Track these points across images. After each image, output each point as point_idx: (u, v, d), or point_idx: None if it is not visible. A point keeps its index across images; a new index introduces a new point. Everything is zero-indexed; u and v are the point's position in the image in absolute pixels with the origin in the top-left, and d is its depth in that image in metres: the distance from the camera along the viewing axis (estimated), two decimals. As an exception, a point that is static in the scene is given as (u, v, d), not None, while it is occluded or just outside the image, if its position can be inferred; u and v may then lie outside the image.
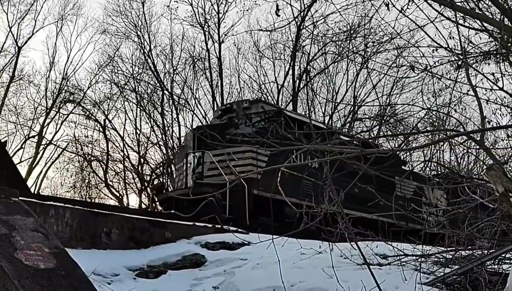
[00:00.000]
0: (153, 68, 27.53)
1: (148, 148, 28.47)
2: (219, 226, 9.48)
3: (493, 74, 5.84)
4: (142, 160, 28.24)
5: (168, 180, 26.11)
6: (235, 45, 28.95)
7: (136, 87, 27.76)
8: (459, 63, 6.12)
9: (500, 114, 7.02)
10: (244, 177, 11.58)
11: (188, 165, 13.33)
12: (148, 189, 27.34)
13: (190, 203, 11.52)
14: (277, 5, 6.31)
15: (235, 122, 13.94)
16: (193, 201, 11.47)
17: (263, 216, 11.65)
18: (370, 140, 19.46)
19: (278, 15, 6.23)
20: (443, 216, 6.37)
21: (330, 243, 6.57)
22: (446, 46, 5.92)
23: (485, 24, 5.87)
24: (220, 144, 12.15)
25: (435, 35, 6.06)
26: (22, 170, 25.91)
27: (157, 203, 15.57)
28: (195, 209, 11.18)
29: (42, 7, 29.32)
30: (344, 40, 24.25)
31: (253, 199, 12.05)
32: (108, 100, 28.27)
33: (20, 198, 5.52)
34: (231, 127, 13.46)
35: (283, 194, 8.66)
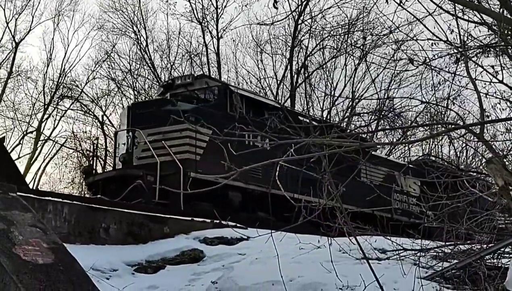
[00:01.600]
0: (150, 64, 27.49)
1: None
2: (218, 221, 9.46)
3: (493, 67, 5.83)
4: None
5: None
6: (233, 40, 28.92)
7: (134, 83, 27.71)
8: (458, 56, 6.11)
9: (500, 108, 7.01)
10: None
11: (123, 145, 12.28)
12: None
13: (118, 187, 10.98)
14: (275, -2, 6.27)
15: (173, 98, 12.84)
16: (121, 184, 10.96)
17: (203, 201, 11.08)
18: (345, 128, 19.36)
19: (276, 8, 6.18)
20: (443, 211, 6.34)
21: (329, 238, 6.56)
22: (446, 39, 5.90)
23: (484, 17, 5.86)
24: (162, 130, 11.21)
25: (434, 28, 6.04)
26: (21, 165, 25.85)
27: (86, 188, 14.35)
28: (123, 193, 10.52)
29: (39, 2, 29.31)
30: (343, 34, 24.23)
31: (191, 182, 10.93)
32: (106, 96, 28.23)
33: (18, 193, 5.50)
34: (168, 104, 12.35)
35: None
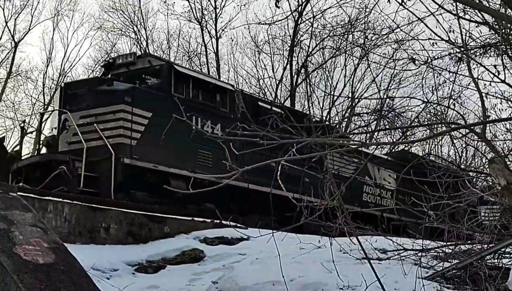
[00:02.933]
0: (150, 64, 27.40)
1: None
2: (218, 221, 9.46)
3: (495, 66, 5.82)
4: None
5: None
6: (232, 40, 28.92)
7: (134, 82, 27.63)
8: (460, 56, 6.10)
9: (501, 108, 7.01)
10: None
11: (54, 128, 11.29)
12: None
13: (42, 174, 10.09)
14: (277, -3, 6.26)
15: (109, 77, 11.84)
16: (46, 171, 9.97)
17: (140, 191, 10.31)
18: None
19: (278, 7, 6.18)
20: (444, 210, 6.32)
21: (330, 238, 6.54)
22: (447, 39, 5.89)
23: (486, 17, 5.85)
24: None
25: (436, 27, 6.03)
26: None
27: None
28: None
29: (38, 2, 29.33)
30: (343, 34, 24.23)
31: (125, 169, 10.11)
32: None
33: (18, 193, 5.49)
34: (104, 83, 11.27)
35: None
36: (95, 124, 10.38)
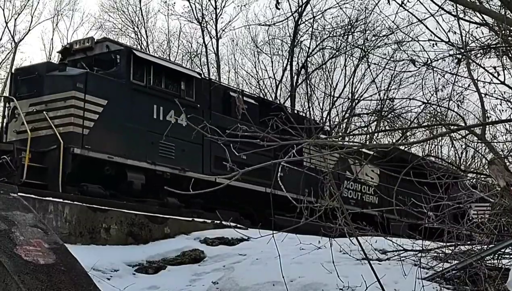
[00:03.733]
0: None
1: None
2: (218, 222, 9.47)
3: (494, 67, 5.83)
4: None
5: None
6: (232, 40, 28.94)
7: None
8: (460, 57, 6.10)
9: (501, 109, 7.01)
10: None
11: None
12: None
13: None
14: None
15: (61, 62, 11.11)
16: None
17: (93, 183, 9.56)
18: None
19: (278, 9, 6.19)
20: (444, 211, 6.32)
21: (330, 238, 6.55)
22: (447, 40, 5.90)
23: (486, 18, 5.86)
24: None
25: (436, 28, 6.04)
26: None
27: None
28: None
29: (38, 2, 29.37)
30: (343, 34, 24.24)
31: (76, 160, 9.39)
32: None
33: (19, 193, 5.50)
34: (55, 69, 10.48)
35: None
36: (44, 112, 9.68)
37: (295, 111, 16.80)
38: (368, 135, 23.44)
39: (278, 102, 21.45)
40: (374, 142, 22.75)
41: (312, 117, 21.60)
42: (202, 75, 13.41)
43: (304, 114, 17.14)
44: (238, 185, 10.98)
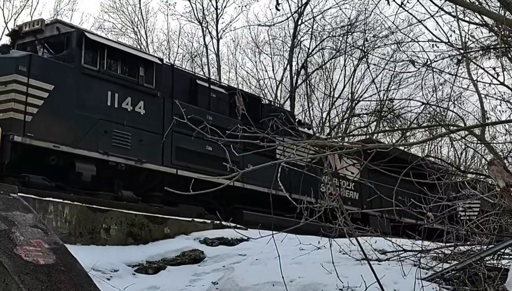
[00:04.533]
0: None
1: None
2: (218, 222, 9.47)
3: (494, 68, 5.84)
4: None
5: None
6: (233, 41, 28.96)
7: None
8: (460, 57, 6.11)
9: (500, 110, 7.01)
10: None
11: None
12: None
13: None
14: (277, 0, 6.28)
15: (4, 44, 10.66)
16: None
17: (36, 174, 8.92)
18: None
19: (278, 10, 6.20)
20: (444, 212, 6.32)
21: (329, 239, 6.56)
22: (447, 40, 5.90)
23: (485, 19, 5.86)
24: None
25: (436, 29, 6.04)
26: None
27: None
28: None
29: (38, 2, 29.30)
30: (342, 34, 24.27)
31: (16, 149, 8.73)
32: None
33: (19, 194, 5.51)
34: None
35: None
36: None
37: (270, 102, 15.78)
38: (367, 136, 23.43)
39: (255, 94, 20.24)
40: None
41: (293, 111, 20.62)
42: (164, 61, 12.38)
43: (279, 105, 16.29)
44: (202, 177, 10.31)
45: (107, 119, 9.92)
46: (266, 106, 13.54)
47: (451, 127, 6.48)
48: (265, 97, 15.65)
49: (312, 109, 27.19)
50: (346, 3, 20.43)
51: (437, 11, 5.71)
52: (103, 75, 10.13)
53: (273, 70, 27.95)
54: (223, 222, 9.32)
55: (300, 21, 24.38)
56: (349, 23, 23.66)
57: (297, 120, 15.80)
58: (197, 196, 10.80)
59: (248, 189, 11.92)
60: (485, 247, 6.09)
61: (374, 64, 22.52)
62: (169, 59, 27.54)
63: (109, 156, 9.82)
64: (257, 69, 28.44)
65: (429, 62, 6.01)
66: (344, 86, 27.28)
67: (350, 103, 27.54)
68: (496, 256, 5.99)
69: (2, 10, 27.62)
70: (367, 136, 22.67)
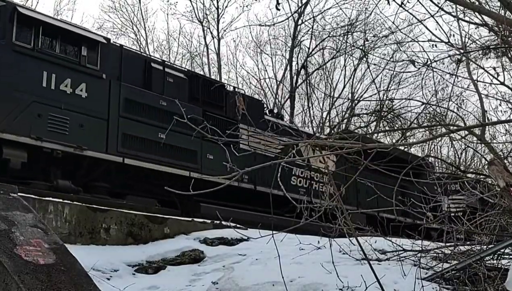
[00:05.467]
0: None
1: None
2: (218, 222, 9.47)
3: (494, 68, 5.84)
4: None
5: None
6: (234, 41, 28.97)
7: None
8: (459, 58, 6.11)
9: (500, 110, 7.02)
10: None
11: None
12: None
13: None
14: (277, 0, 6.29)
15: None
16: None
17: None
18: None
19: (278, 9, 6.21)
20: (444, 212, 6.31)
21: (329, 238, 6.55)
22: (447, 40, 5.90)
23: (485, 19, 5.86)
24: None
25: (436, 29, 6.04)
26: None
27: None
28: None
29: (37, 2, 29.25)
30: (343, 34, 24.28)
31: None
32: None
33: (19, 193, 5.51)
34: None
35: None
36: None
37: (235, 88, 14.60)
38: (367, 136, 23.43)
39: (216, 79, 19.23)
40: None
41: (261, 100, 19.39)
42: (112, 41, 11.38)
43: (242, 92, 14.75)
44: (154, 167, 10.27)
45: (41, 101, 9.15)
46: (232, 94, 12.82)
47: (451, 127, 6.48)
48: (229, 84, 14.37)
49: (312, 109, 27.20)
50: (346, 3, 20.44)
51: (437, 11, 5.71)
52: (38, 54, 9.31)
53: (273, 70, 27.98)
54: (223, 222, 9.31)
55: (300, 21, 24.40)
56: (349, 23, 23.67)
57: (268, 109, 15.39)
58: (149, 187, 10.52)
59: (206, 181, 10.52)
60: (485, 247, 6.09)
61: (374, 64, 22.54)
62: (169, 59, 27.61)
63: (42, 141, 9.03)
64: (258, 69, 28.46)
65: (429, 62, 6.02)
66: (344, 86, 27.32)
67: (350, 103, 27.56)
68: (496, 256, 5.99)
69: (2, 10, 27.64)
70: (367, 135, 22.66)
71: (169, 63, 12.83)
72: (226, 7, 27.21)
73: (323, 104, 27.62)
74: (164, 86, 11.23)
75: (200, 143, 10.97)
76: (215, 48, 27.23)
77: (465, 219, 6.44)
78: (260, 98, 18.37)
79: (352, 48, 24.04)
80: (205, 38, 27.23)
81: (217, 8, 26.95)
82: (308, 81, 26.68)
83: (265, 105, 15.11)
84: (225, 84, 13.38)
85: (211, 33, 27.24)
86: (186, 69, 13.25)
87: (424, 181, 6.43)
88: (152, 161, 10.32)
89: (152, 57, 12.19)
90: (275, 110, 17.45)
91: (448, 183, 6.37)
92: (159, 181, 10.40)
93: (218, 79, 26.13)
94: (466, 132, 5.96)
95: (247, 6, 29.43)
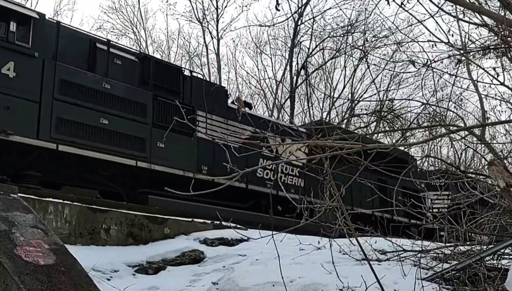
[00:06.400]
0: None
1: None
2: (218, 222, 9.48)
3: (494, 68, 5.84)
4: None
5: None
6: (233, 41, 28.97)
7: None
8: (459, 58, 6.12)
9: (500, 110, 7.02)
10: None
11: None
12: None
13: None
14: (277, 0, 6.29)
15: None
16: None
17: None
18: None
19: (278, 10, 6.22)
20: (445, 212, 6.31)
21: (329, 239, 6.55)
22: (447, 41, 5.91)
23: (485, 19, 5.86)
24: None
25: (436, 30, 6.05)
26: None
27: None
28: None
29: (37, 3, 29.19)
30: (342, 35, 24.30)
31: None
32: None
33: (19, 194, 5.51)
34: None
35: None
36: None
37: (191, 72, 13.03)
38: (367, 136, 23.43)
39: (175, 63, 17.36)
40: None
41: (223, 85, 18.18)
42: (48, 16, 10.37)
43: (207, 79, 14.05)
44: (94, 155, 9.48)
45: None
46: (190, 79, 11.94)
47: (451, 127, 6.49)
48: (186, 68, 13.03)
49: (312, 110, 27.20)
50: (346, 3, 20.45)
51: (437, 11, 5.72)
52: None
53: (273, 70, 27.99)
54: (223, 222, 9.31)
55: (300, 21, 24.40)
56: (349, 23, 23.68)
57: (233, 98, 14.73)
58: (89, 177, 9.74)
59: (156, 171, 10.39)
60: (485, 247, 6.09)
61: (374, 65, 22.54)
62: (168, 59, 27.61)
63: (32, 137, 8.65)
64: (258, 69, 28.47)
65: (429, 63, 6.02)
66: (344, 87, 27.33)
67: (350, 104, 27.57)
68: (496, 256, 5.99)
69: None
70: (367, 134, 22.66)
71: (117, 44, 11.68)
72: (225, 7, 27.25)
73: (323, 105, 27.65)
74: (109, 68, 10.31)
75: (149, 130, 10.34)
76: (214, 49, 27.25)
77: (464, 219, 6.44)
78: (223, 85, 16.96)
79: (352, 48, 24.06)
80: (204, 38, 27.26)
81: (216, 8, 26.96)
82: (308, 81, 26.69)
83: (228, 93, 14.17)
84: (182, 68, 12.24)
85: (210, 33, 27.27)
86: (138, 51, 12.23)
87: (425, 180, 6.40)
88: (92, 148, 9.46)
89: (97, 36, 11.21)
90: (243, 99, 16.07)
91: (445, 182, 6.37)
92: (101, 170, 9.85)
93: (218, 79, 26.18)
94: (466, 132, 5.96)
95: (246, 6, 29.43)
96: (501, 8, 5.91)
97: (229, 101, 12.86)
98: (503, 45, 5.85)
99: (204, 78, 14.16)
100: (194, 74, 12.88)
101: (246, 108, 13.28)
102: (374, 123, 26.80)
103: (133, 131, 10.17)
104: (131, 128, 10.13)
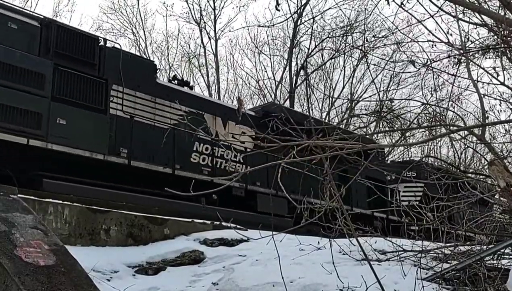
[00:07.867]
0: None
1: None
2: (218, 223, 9.48)
3: (494, 68, 5.84)
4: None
5: None
6: (231, 41, 28.99)
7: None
8: (459, 58, 6.12)
9: (499, 110, 7.03)
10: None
11: None
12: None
13: None
14: (277, 0, 6.29)
15: None
16: None
17: None
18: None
19: (278, 10, 6.21)
20: (443, 212, 6.31)
21: (329, 239, 6.55)
22: (447, 40, 5.91)
23: (485, 19, 5.87)
24: None
25: (435, 30, 6.05)
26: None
27: None
28: None
29: (37, 3, 29.26)
30: (342, 35, 24.31)
31: None
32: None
33: (19, 195, 5.51)
34: None
35: None
36: None
37: (105, 41, 11.13)
38: (367, 136, 23.44)
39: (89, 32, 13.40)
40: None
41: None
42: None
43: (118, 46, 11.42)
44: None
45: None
46: (110, 50, 10.62)
47: (451, 127, 6.49)
48: (106, 38, 11.24)
49: (312, 110, 27.20)
50: (346, 3, 20.47)
51: (437, 11, 5.72)
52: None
53: (272, 70, 27.98)
54: (223, 223, 9.31)
55: (299, 21, 24.41)
56: (348, 23, 23.69)
57: (174, 75, 13.41)
58: (40, 166, 8.74)
59: (55, 151, 9.02)
60: (485, 247, 6.09)
61: (374, 65, 22.55)
62: (168, 60, 27.61)
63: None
64: (256, 70, 28.47)
65: (429, 63, 6.02)
66: (344, 87, 27.36)
67: (349, 104, 27.57)
68: (496, 256, 5.99)
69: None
70: (367, 134, 22.66)
71: (15, 6, 10.14)
72: (222, 8, 27.23)
73: (322, 105, 27.67)
74: (2, 33, 9.02)
75: (48, 104, 8.93)
76: (212, 49, 27.24)
77: (465, 219, 6.44)
78: (152, 60, 15.61)
79: (352, 48, 24.07)
80: (202, 39, 27.24)
81: (214, 9, 26.97)
82: (307, 81, 26.70)
83: (158, 68, 13.06)
84: (99, 38, 10.74)
85: (208, 34, 27.25)
86: (42, 16, 10.44)
87: (424, 180, 6.40)
88: (36, 136, 8.58)
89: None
90: (180, 78, 14.23)
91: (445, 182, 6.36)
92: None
93: (216, 79, 26.18)
94: (466, 132, 5.96)
95: (243, 6, 29.46)
96: (501, 8, 5.92)
97: (164, 79, 11.47)
98: (503, 45, 5.86)
99: (129, 52, 12.30)
100: (117, 46, 11.09)
101: (185, 87, 12.27)
102: (374, 123, 26.81)
103: (25, 105, 8.68)
104: (24, 101, 8.64)
